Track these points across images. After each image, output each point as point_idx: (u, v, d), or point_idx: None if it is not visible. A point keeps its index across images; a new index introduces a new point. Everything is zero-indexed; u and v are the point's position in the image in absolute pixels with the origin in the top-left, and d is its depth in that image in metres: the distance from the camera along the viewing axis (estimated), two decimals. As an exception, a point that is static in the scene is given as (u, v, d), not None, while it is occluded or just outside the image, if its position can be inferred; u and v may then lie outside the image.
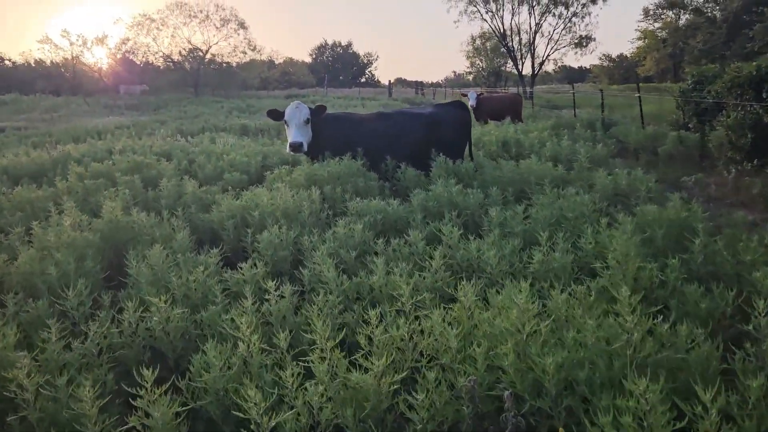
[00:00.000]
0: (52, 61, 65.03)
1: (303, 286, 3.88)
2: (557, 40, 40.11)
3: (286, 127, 7.19)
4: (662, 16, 77.69)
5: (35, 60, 66.50)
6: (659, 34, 75.10)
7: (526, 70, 41.35)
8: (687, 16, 73.23)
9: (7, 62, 69.90)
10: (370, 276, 3.65)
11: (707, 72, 11.77)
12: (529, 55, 40.20)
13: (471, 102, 17.07)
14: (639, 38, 79.28)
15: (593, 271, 3.61)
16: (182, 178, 7.02)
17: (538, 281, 3.55)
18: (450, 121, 7.77)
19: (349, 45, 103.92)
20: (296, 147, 6.83)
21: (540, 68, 41.49)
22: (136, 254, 4.10)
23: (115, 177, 6.86)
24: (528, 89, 37.28)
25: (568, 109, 24.48)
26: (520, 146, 9.73)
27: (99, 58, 66.26)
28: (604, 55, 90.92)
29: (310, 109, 7.17)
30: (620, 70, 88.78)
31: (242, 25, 57.72)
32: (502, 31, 40.35)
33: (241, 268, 3.85)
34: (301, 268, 3.97)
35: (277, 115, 7.24)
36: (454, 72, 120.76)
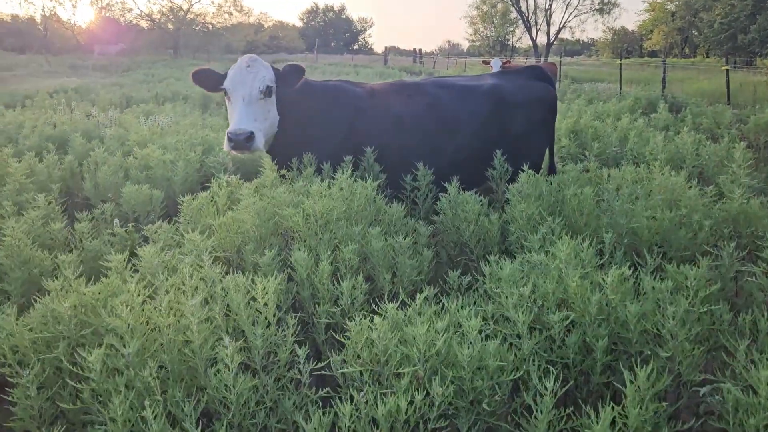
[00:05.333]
0: (15, 16, 60.98)
1: None
2: (576, 5, 36.12)
3: (227, 102, 3.85)
4: (671, -12, 74.03)
5: (4, 15, 62.21)
6: (668, 7, 71.63)
7: (540, 39, 37.44)
8: (699, -13, 69.78)
9: (-25, 17, 65.31)
10: None
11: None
12: (544, 22, 36.26)
13: (494, 71, 13.71)
14: (647, 10, 75.67)
15: None
16: (36, 197, 3.70)
17: None
18: (528, 100, 4.45)
19: (342, 9, 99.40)
20: (241, 141, 3.44)
21: (556, 37, 37.65)
22: None
23: None
24: (542, 60, 33.58)
25: (592, 84, 21.02)
26: (599, 138, 6.44)
27: (72, 15, 62.27)
28: (608, 27, 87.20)
29: (274, 70, 3.84)
30: (624, 43, 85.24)
31: (227, -18, 53.35)
32: (515, -8, 36.34)
33: None
34: None
35: (211, 79, 3.89)
36: (449, 41, 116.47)
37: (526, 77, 4.76)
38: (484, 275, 2.63)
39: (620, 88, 14.43)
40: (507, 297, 2.19)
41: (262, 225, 2.81)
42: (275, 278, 2.16)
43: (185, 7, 53.27)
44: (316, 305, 2.31)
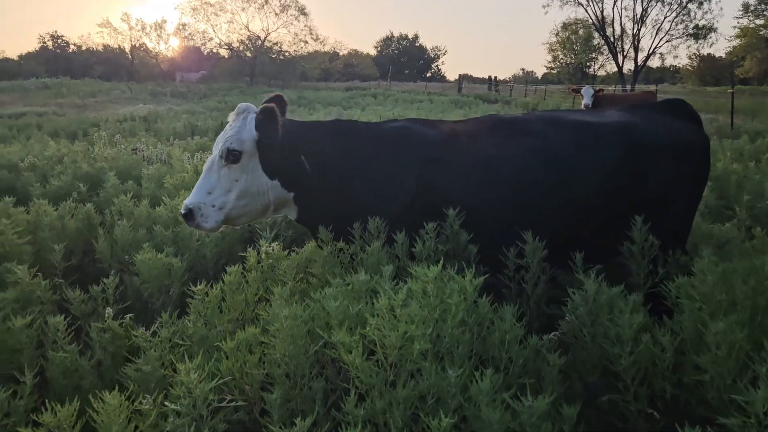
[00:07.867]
0: (106, 46, 64.77)
1: None
2: (668, 30, 33.81)
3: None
4: (765, 12, 69.49)
5: (96, 44, 66.28)
6: (761, 32, 67.19)
7: (625, 66, 35.25)
8: (794, 11, 65.27)
9: (72, 47, 69.79)
10: None
11: None
12: (631, 48, 34.08)
13: (585, 101, 12.34)
14: (737, 36, 71.20)
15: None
16: (16, 269, 2.80)
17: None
18: (675, 146, 3.22)
19: (416, 38, 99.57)
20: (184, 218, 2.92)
21: (644, 64, 35.39)
22: None
23: None
24: (630, 88, 31.44)
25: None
26: (742, 186, 5.07)
27: (157, 44, 65.53)
28: (694, 54, 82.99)
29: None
30: (712, 71, 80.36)
31: (302, 11, 54.63)
32: (600, 18, 34.39)
33: None
34: None
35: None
36: (523, 69, 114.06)
37: (666, 113, 3.52)
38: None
39: (732, 121, 12.64)
40: None
41: (300, 354, 1.74)
42: None
43: (262, 35, 54.65)
44: None
